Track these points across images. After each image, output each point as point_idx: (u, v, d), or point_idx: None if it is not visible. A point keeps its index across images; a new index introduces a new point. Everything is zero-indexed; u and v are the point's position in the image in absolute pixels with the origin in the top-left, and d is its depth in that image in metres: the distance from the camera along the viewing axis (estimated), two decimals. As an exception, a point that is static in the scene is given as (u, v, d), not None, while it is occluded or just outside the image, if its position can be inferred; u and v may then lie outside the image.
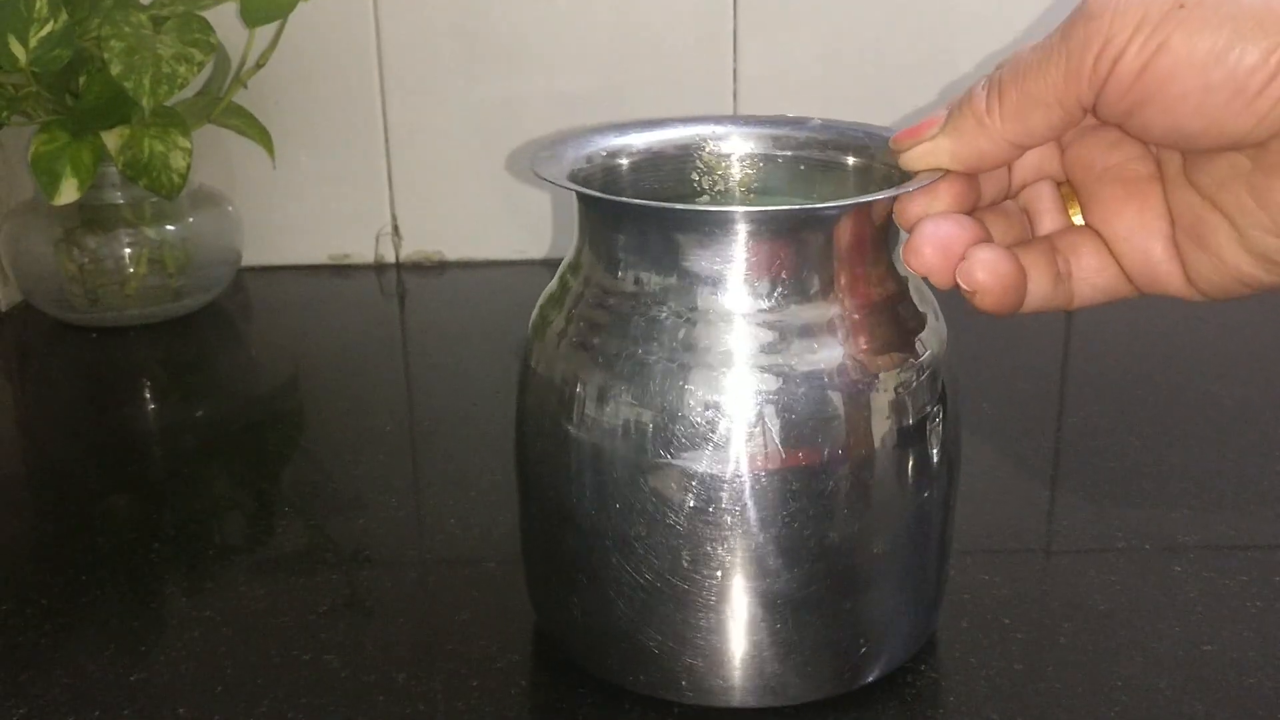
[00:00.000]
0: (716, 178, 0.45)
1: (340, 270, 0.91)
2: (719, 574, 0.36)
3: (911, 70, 0.86)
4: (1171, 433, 0.58)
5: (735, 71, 0.86)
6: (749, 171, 0.45)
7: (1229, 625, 0.42)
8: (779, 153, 0.44)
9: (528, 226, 0.90)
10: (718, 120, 0.45)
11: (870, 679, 0.39)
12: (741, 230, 0.35)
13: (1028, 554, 0.48)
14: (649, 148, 0.44)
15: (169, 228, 0.78)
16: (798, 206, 0.36)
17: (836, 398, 0.35)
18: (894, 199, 0.36)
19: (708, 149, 0.45)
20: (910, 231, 0.35)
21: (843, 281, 0.36)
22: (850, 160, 0.43)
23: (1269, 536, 0.48)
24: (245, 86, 0.80)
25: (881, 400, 0.36)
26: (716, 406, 0.35)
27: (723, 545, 0.36)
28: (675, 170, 0.45)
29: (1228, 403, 0.62)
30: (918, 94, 0.86)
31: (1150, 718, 0.38)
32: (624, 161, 0.44)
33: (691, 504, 0.36)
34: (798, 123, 0.44)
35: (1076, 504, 0.52)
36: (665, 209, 0.36)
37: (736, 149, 0.45)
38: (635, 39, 0.85)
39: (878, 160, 0.41)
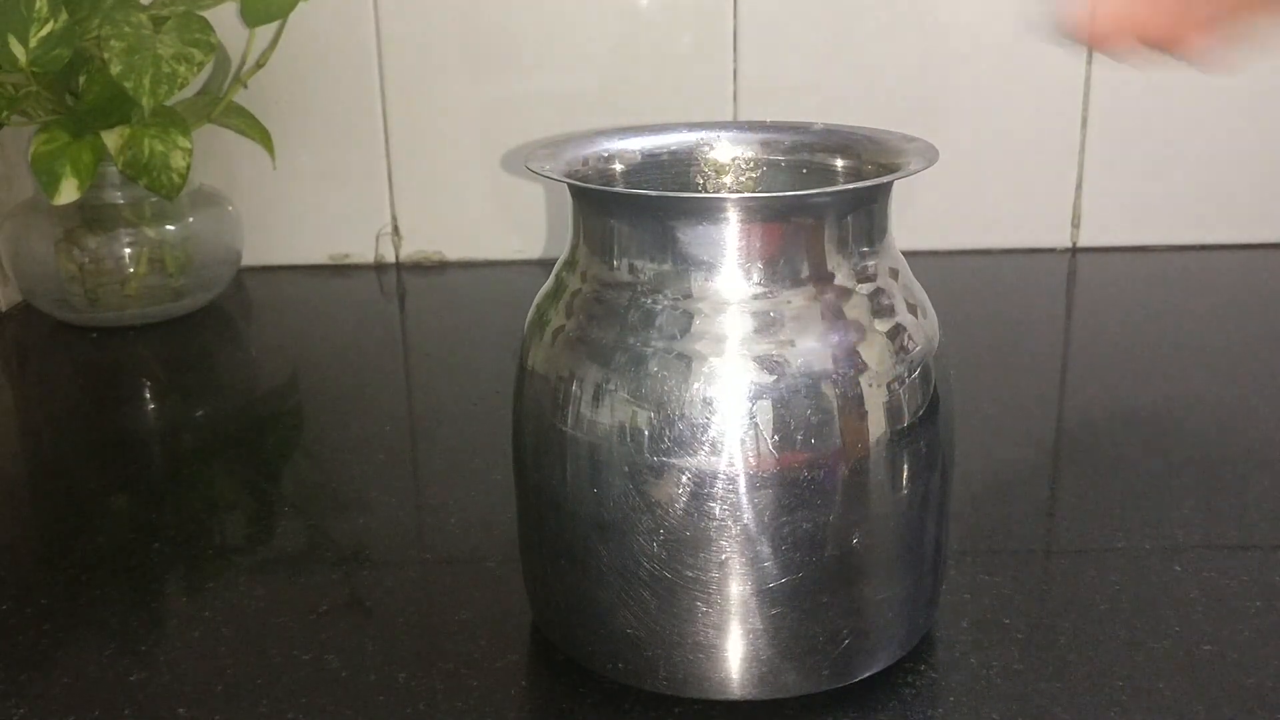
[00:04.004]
0: (719, 183, 0.45)
1: (340, 270, 0.91)
2: (710, 563, 0.36)
3: (909, 71, 0.86)
4: (1171, 433, 0.58)
5: (735, 72, 0.86)
6: (751, 176, 0.45)
7: (1229, 625, 0.42)
8: (780, 158, 0.44)
9: (528, 226, 0.90)
10: (718, 126, 0.45)
11: (866, 675, 0.39)
12: (733, 217, 0.35)
13: (1028, 554, 0.48)
14: (649, 151, 0.44)
15: (169, 228, 0.78)
16: (788, 193, 0.36)
17: (827, 384, 0.35)
18: (886, 188, 0.36)
19: (708, 154, 0.45)
20: None
21: (834, 269, 0.36)
22: (854, 164, 0.43)
23: (1269, 536, 0.48)
24: (245, 86, 0.80)
25: (873, 388, 0.36)
26: (709, 395, 0.35)
27: (713, 534, 0.36)
28: (677, 174, 0.45)
29: (1228, 403, 0.62)
30: (916, 95, 0.86)
31: (1150, 718, 0.38)
32: (623, 165, 0.44)
33: (684, 492, 0.36)
34: (799, 128, 0.44)
35: (1076, 504, 0.52)
36: (658, 197, 0.36)
37: (737, 154, 0.45)
38: (635, 40, 0.85)
39: (881, 164, 0.41)
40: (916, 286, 0.40)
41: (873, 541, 0.37)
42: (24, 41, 0.66)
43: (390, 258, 0.91)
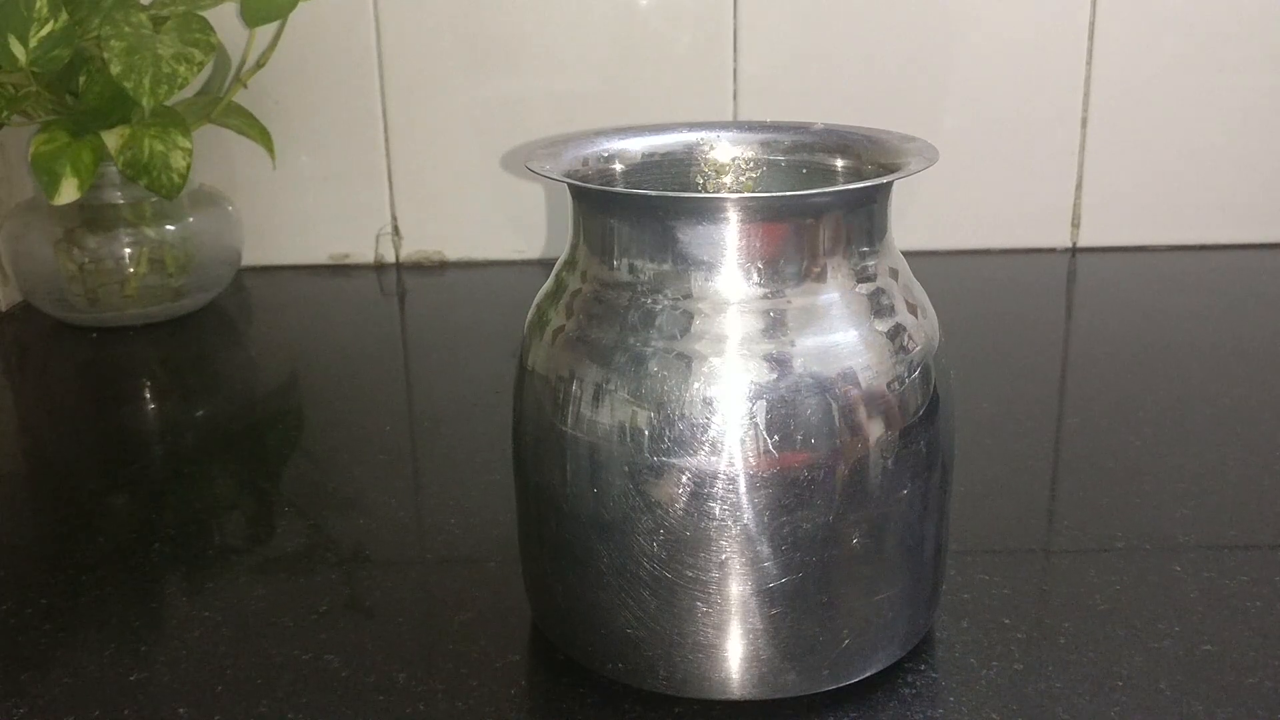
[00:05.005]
0: (719, 183, 0.45)
1: (340, 270, 0.91)
2: (710, 563, 0.36)
3: (910, 71, 0.86)
4: (1171, 433, 0.58)
5: (735, 71, 0.86)
6: (751, 176, 0.45)
7: (1229, 625, 0.42)
8: (780, 158, 0.44)
9: (528, 226, 0.90)
10: (718, 126, 0.45)
11: (866, 675, 0.39)
12: (733, 217, 0.35)
13: (1028, 554, 0.48)
14: (649, 151, 0.44)
15: (169, 228, 0.78)
16: (788, 193, 0.36)
17: (827, 384, 0.35)
18: (886, 188, 0.36)
19: (708, 154, 0.45)
20: None
21: (834, 269, 0.36)
22: (854, 164, 0.43)
23: (1269, 536, 0.48)
24: (245, 86, 0.80)
25: (873, 388, 0.36)
26: (709, 395, 0.35)
27: (713, 534, 0.36)
28: (677, 175, 0.45)
29: (1228, 403, 0.62)
30: (916, 94, 0.87)
31: (1150, 718, 0.38)
32: (623, 165, 0.44)
33: (684, 492, 0.36)
34: (799, 128, 0.44)
35: (1076, 504, 0.52)
36: (658, 197, 0.36)
37: (737, 154, 0.45)
38: (635, 39, 0.85)
39: (881, 164, 0.41)
40: (916, 286, 0.40)
41: (873, 541, 0.37)
42: (24, 41, 0.66)
43: (390, 258, 0.91)
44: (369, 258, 0.91)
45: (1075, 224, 0.90)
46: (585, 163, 0.42)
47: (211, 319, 0.81)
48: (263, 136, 0.80)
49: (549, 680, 0.40)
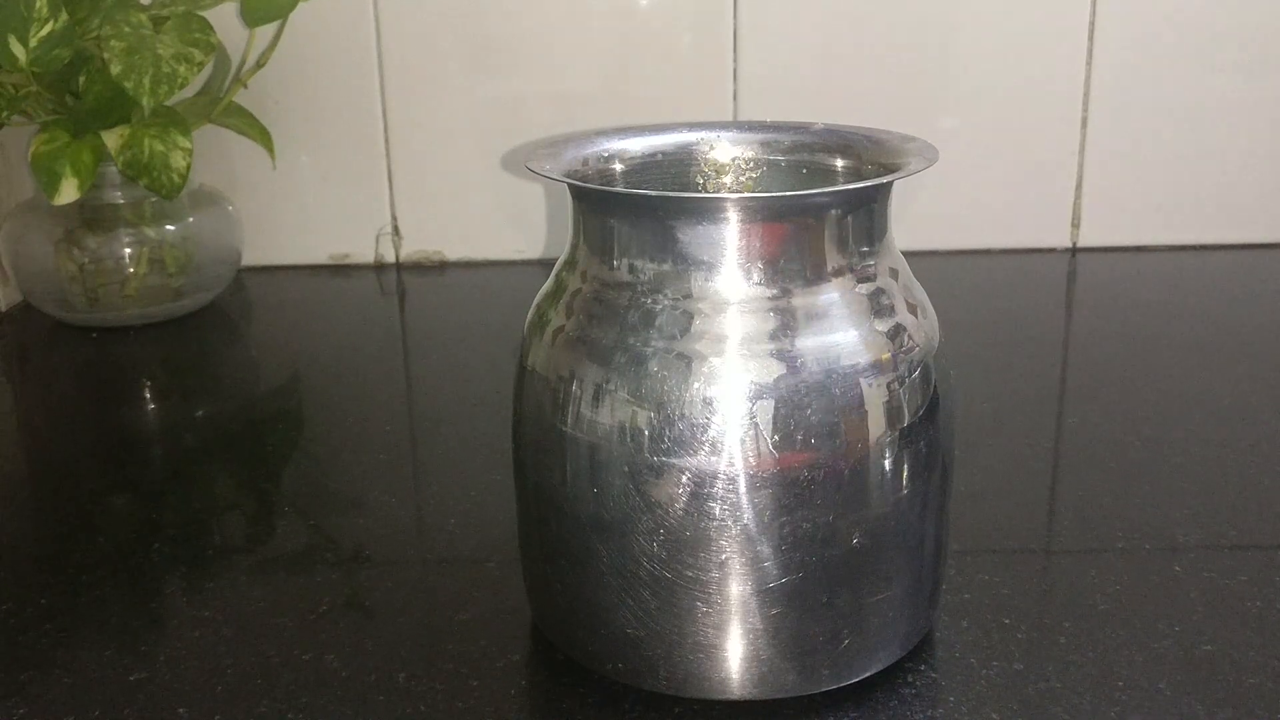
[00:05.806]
0: (719, 183, 0.45)
1: (340, 270, 0.91)
2: (710, 563, 0.36)
3: (910, 70, 0.86)
4: (1171, 433, 0.58)
5: (735, 71, 0.86)
6: (751, 176, 0.45)
7: (1229, 625, 0.42)
8: (780, 158, 0.44)
9: (528, 226, 0.90)
10: (718, 126, 0.45)
11: (866, 675, 0.39)
12: (733, 217, 0.35)
13: (1028, 554, 0.48)
14: (649, 151, 0.44)
15: (169, 228, 0.78)
16: (788, 193, 0.36)
17: (827, 384, 0.35)
18: (886, 188, 0.36)
19: (708, 154, 0.45)
20: None
21: (834, 269, 0.36)
22: (854, 164, 0.43)
23: (1269, 536, 0.48)
24: (245, 86, 0.80)
25: (873, 388, 0.36)
26: (709, 395, 0.35)
27: (713, 534, 0.36)
28: (677, 175, 0.45)
29: (1227, 402, 0.62)
30: (916, 94, 0.87)
31: (1150, 718, 0.38)
32: (623, 165, 0.44)
33: (684, 492, 0.36)
34: (799, 128, 0.44)
35: (1076, 504, 0.52)
36: (658, 197, 0.36)
37: (737, 154, 0.45)
38: (635, 39, 0.85)
39: (881, 164, 0.41)
40: (916, 286, 0.40)
41: (873, 541, 0.37)
42: (24, 41, 0.66)
43: (390, 258, 0.91)
44: (369, 258, 0.91)
45: (1075, 224, 0.90)
46: (585, 163, 0.42)
47: (211, 319, 0.81)
48: (263, 136, 0.80)
49: (549, 680, 0.40)
